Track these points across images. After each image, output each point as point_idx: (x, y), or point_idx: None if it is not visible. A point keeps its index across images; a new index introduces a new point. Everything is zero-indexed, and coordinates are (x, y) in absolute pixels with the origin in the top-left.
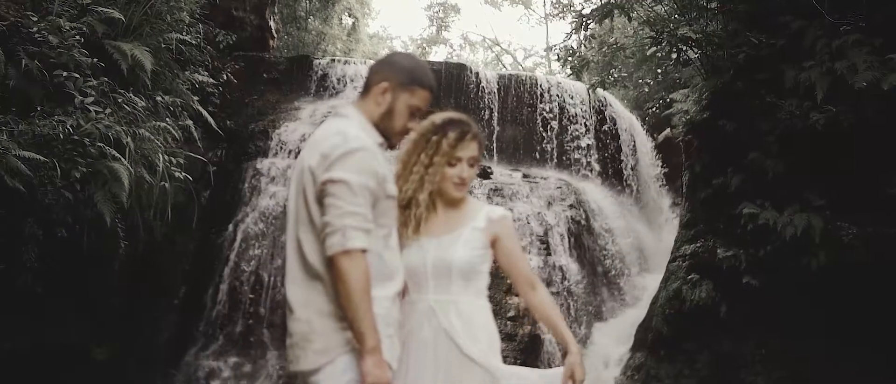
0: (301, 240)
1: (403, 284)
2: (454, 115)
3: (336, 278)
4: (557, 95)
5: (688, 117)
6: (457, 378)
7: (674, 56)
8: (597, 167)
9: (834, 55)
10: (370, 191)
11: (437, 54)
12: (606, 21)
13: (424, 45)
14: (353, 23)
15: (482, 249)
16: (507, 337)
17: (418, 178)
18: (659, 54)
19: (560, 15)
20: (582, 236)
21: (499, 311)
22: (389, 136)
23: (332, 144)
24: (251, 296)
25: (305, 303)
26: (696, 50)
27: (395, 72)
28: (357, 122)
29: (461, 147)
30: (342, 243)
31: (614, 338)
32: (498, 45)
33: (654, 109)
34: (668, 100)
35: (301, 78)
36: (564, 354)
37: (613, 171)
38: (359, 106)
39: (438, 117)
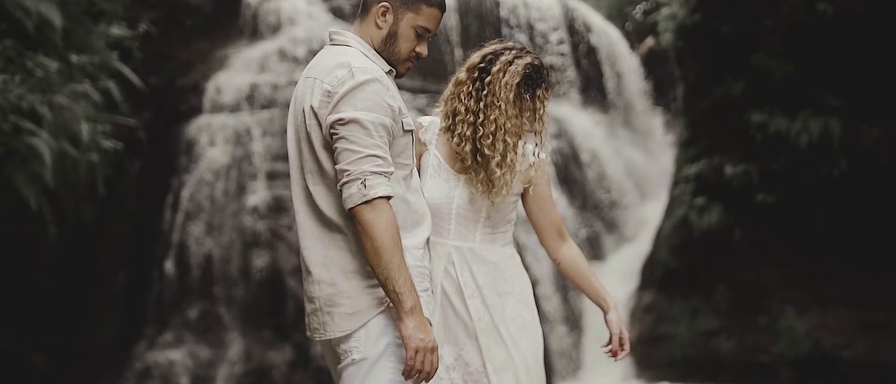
0: (312, 192)
1: (431, 226)
2: (530, 59)
3: (360, 233)
4: (523, 9)
5: (676, 22)
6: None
7: None
8: (576, 89)
9: None
10: (386, 128)
11: None
12: None
13: None
14: None
15: (516, 195)
16: None
17: (492, 130)
18: None
19: None
20: (569, 168)
21: None
22: (395, 63)
23: (337, 79)
24: (201, 274)
25: (325, 263)
26: None
27: None
28: (360, 50)
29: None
30: (363, 193)
31: (618, 277)
32: None
33: (635, 15)
34: (654, 2)
35: (230, 20)
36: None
37: (595, 92)
38: (358, 30)
39: (520, 63)
